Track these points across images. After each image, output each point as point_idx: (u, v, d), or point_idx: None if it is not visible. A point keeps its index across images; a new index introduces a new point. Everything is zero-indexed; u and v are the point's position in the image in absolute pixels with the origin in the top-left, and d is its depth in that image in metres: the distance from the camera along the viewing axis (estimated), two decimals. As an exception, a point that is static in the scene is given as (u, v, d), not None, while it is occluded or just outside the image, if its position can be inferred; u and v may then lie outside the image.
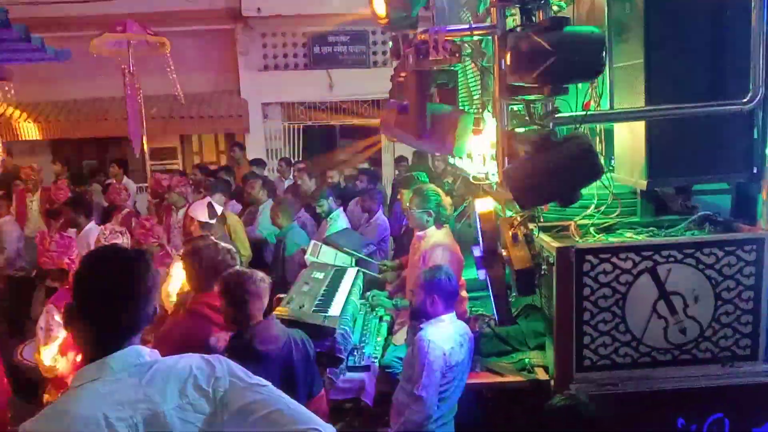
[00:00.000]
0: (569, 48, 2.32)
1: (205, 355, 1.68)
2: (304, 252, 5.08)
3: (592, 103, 3.23)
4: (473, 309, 4.22)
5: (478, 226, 3.49)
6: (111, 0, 10.04)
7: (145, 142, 8.58)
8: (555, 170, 2.42)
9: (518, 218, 3.15)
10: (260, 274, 2.97)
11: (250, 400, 1.59)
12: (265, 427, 1.56)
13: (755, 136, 3.17)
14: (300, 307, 3.58)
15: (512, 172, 2.64)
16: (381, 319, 4.21)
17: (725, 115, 3.04)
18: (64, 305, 1.69)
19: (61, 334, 3.66)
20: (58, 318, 3.65)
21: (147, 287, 1.64)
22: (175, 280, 4.25)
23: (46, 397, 3.76)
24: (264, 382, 1.65)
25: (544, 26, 2.43)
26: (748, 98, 2.94)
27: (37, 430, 1.49)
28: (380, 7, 3.35)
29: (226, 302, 2.89)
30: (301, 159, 10.79)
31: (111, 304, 1.60)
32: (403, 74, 3.74)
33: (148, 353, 1.62)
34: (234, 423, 1.59)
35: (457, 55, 3.12)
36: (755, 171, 3.17)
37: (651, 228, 3.38)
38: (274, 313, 3.51)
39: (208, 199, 5.46)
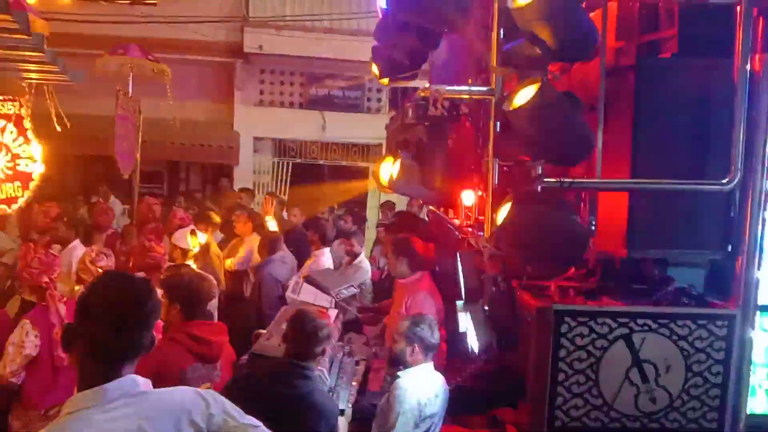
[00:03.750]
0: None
1: (200, 390, 1.70)
2: (282, 287, 5.10)
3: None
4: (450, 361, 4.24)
5: (460, 270, 3.55)
6: (116, 22, 10.18)
7: (138, 166, 8.59)
8: (545, 238, 2.50)
9: (501, 274, 3.22)
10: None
11: None
12: None
13: (732, 215, 3.30)
14: (279, 345, 3.58)
15: (502, 237, 2.73)
16: (358, 363, 4.22)
17: (705, 193, 3.18)
18: (63, 327, 1.69)
19: (34, 352, 3.61)
20: (33, 336, 3.60)
21: (149, 315, 1.66)
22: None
23: (12, 420, 3.66)
24: (256, 422, 1.67)
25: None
26: (727, 179, 3.08)
27: None
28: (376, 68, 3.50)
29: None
30: (287, 195, 10.87)
31: (117, 331, 1.62)
32: (400, 126, 3.86)
33: (143, 383, 1.63)
34: None
35: (454, 113, 3.25)
36: (730, 249, 3.29)
37: (628, 296, 3.47)
38: (253, 349, 3.53)
39: (191, 226, 5.48)
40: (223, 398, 1.69)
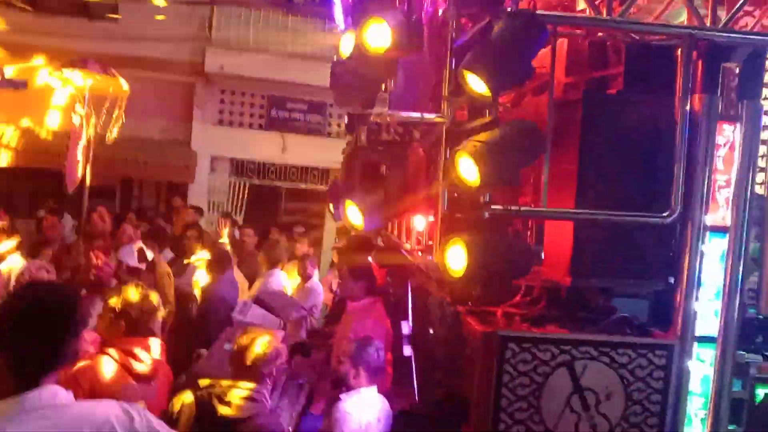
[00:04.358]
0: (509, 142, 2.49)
1: (125, 404, 1.64)
2: (230, 308, 5.02)
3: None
4: (394, 386, 4.21)
5: (410, 303, 3.56)
6: (77, 36, 10.02)
7: (88, 179, 8.37)
8: (493, 264, 2.53)
9: (448, 299, 3.24)
10: None
11: None
12: None
13: (673, 248, 3.40)
14: (219, 365, 3.50)
15: (452, 265, 2.75)
16: (301, 387, 4.16)
17: (648, 226, 3.27)
18: None
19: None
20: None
21: (75, 326, 1.60)
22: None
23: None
24: None
25: (485, 126, 2.61)
26: (668, 213, 3.18)
27: None
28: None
29: None
30: (243, 215, 10.75)
31: (35, 339, 1.56)
32: (352, 149, 3.88)
33: (64, 395, 1.57)
34: None
35: (407, 138, 3.29)
36: (671, 281, 3.38)
37: (573, 324, 3.52)
38: (192, 369, 3.44)
39: (139, 243, 5.36)
40: (148, 413, 1.64)
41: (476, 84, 2.70)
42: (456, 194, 3.29)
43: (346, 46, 3.31)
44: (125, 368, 2.90)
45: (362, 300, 4.20)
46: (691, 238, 3.25)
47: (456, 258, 2.74)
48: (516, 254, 2.76)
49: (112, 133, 8.25)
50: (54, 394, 1.55)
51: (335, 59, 3.56)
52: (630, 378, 3.28)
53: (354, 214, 3.22)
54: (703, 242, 3.27)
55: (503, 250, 2.68)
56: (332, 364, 4.06)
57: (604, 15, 3.11)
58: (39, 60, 8.66)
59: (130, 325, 3.03)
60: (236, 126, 12.08)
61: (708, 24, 3.14)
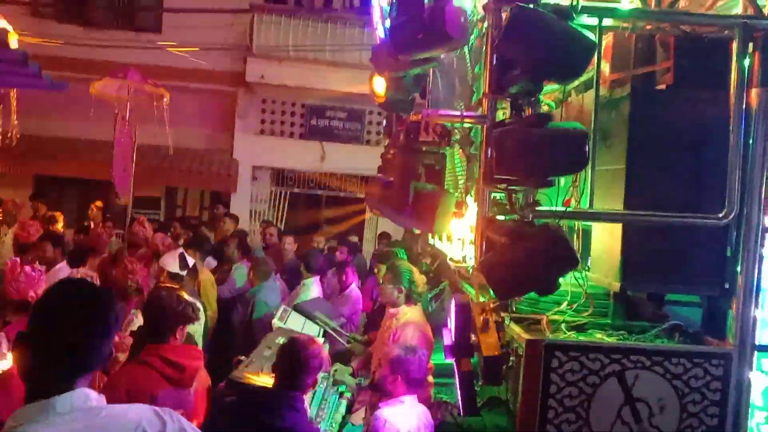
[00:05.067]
0: (553, 142, 2.39)
1: (157, 408, 1.59)
2: (272, 315, 5.00)
3: (572, 201, 3.30)
4: (437, 395, 4.12)
5: (452, 313, 3.46)
6: (118, 47, 10.27)
7: (132, 189, 8.54)
8: (531, 260, 2.43)
9: (490, 305, 3.14)
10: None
11: None
12: None
13: (728, 253, 3.22)
14: (259, 372, 3.47)
15: (489, 262, 2.65)
16: (341, 395, 4.10)
17: (701, 228, 3.11)
18: (16, 334, 1.61)
19: (3, 365, 3.50)
20: (5, 349, 3.50)
21: (107, 326, 1.57)
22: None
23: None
24: None
25: (531, 121, 2.51)
26: (723, 214, 3.01)
27: None
28: (380, 87, 3.46)
29: None
30: (284, 224, 10.81)
31: (67, 338, 1.51)
32: (392, 151, 3.82)
33: (95, 398, 1.53)
34: None
35: (446, 138, 3.20)
36: (726, 287, 3.20)
37: (621, 332, 3.37)
38: (231, 375, 3.42)
39: (180, 250, 5.40)
40: (181, 418, 1.60)
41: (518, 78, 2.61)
42: (497, 197, 3.19)
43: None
44: (162, 375, 2.88)
45: (402, 306, 4.12)
46: (749, 239, 3.07)
47: (495, 260, 2.63)
48: (555, 248, 2.62)
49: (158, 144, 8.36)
50: (86, 397, 1.51)
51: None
52: (685, 389, 3.11)
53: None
54: (762, 245, 3.09)
55: (541, 246, 2.56)
56: (371, 368, 3.98)
57: (652, 6, 2.97)
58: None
59: (157, 330, 3.01)
60: (277, 135, 12.19)
61: (766, 13, 2.97)
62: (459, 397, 3.39)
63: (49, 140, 11.24)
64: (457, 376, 3.35)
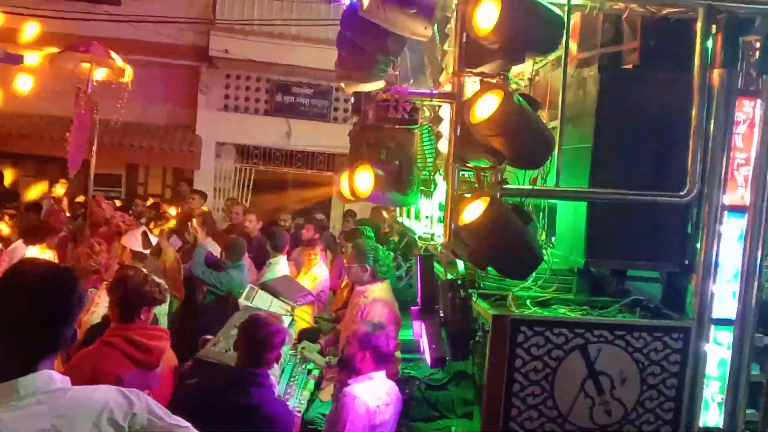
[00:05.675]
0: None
1: (123, 389, 1.57)
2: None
3: (539, 179, 3.33)
4: (405, 371, 4.16)
5: (419, 282, 3.47)
6: (79, 19, 9.90)
7: (93, 166, 8.30)
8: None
9: (458, 281, 3.16)
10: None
11: None
12: None
13: (689, 230, 3.31)
14: (226, 351, 3.45)
15: (470, 232, 2.67)
16: (309, 372, 4.11)
17: (663, 206, 3.18)
18: None
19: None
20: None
21: (71, 309, 1.52)
22: (99, 310, 4.05)
23: None
24: (183, 423, 1.56)
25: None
26: (685, 192, 3.09)
27: None
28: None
29: None
30: (248, 201, 10.69)
31: (26, 321, 1.47)
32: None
33: (60, 379, 1.49)
34: None
35: (415, 116, 3.19)
36: (686, 263, 3.29)
37: (585, 307, 3.44)
38: (197, 354, 3.39)
39: (143, 228, 5.29)
40: (148, 398, 1.58)
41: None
42: (465, 174, 3.21)
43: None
44: (128, 356, 2.84)
45: (369, 284, 4.13)
46: (709, 217, 3.15)
47: (473, 211, 2.66)
48: (529, 236, 2.67)
49: (118, 119, 8.11)
50: (50, 378, 1.48)
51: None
52: (645, 362, 3.20)
53: (363, 181, 3.10)
54: (721, 222, 3.18)
55: (517, 232, 2.60)
56: (340, 346, 4.00)
57: (620, -13, 3.00)
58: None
59: (124, 311, 2.95)
60: (241, 111, 11.98)
61: (728, -4, 3.02)
62: (428, 352, 3.39)
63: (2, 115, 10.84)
64: (425, 334, 3.34)
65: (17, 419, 1.40)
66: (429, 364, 3.25)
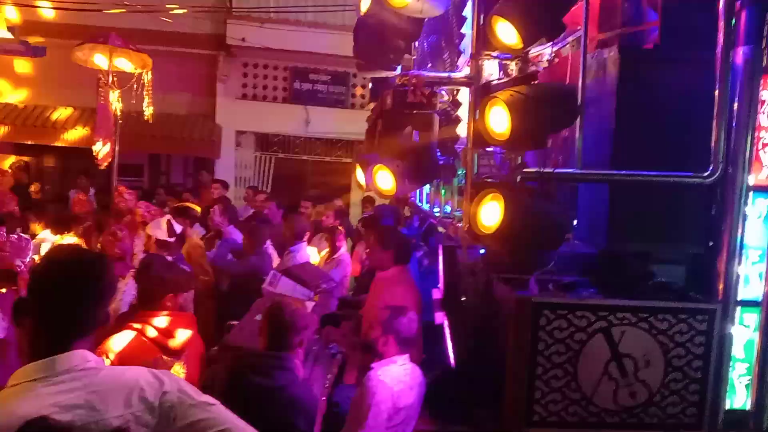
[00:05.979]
0: (543, 101, 2.39)
1: (154, 370, 1.63)
2: (262, 280, 5.01)
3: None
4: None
5: (441, 269, 3.50)
6: (95, 11, 9.98)
7: (116, 156, 8.42)
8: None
9: (480, 265, 3.18)
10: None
11: (198, 417, 1.56)
12: None
13: (713, 211, 3.27)
14: (251, 336, 3.49)
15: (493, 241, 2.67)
16: (334, 355, 4.15)
17: (687, 187, 3.15)
18: (15, 300, 1.64)
19: (1, 335, 3.50)
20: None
21: (103, 290, 1.61)
22: (126, 298, 4.13)
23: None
24: (212, 400, 1.61)
25: (518, 80, 2.50)
26: (708, 173, 3.05)
27: None
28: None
29: None
30: (270, 189, 10.76)
31: (65, 303, 1.56)
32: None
33: (94, 359, 1.57)
34: None
35: (433, 101, 3.19)
36: (711, 244, 3.26)
37: (608, 289, 3.43)
38: (223, 340, 3.44)
39: (167, 217, 5.37)
40: (178, 378, 1.63)
41: (506, 34, 2.58)
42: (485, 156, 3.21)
43: (365, 3, 3.20)
44: (155, 342, 2.90)
45: (391, 269, 4.16)
46: (733, 198, 3.11)
47: (490, 214, 2.66)
48: (551, 221, 2.67)
49: (147, 110, 8.21)
50: (84, 357, 1.56)
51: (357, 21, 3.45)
52: (670, 344, 3.19)
53: (384, 180, 3.13)
54: (746, 203, 3.14)
55: (539, 215, 2.59)
56: (363, 331, 4.03)
57: (641, -36, 2.95)
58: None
59: (149, 298, 3.01)
60: (260, 99, 12.02)
61: (753, -29, 2.95)
62: (451, 351, 3.45)
63: (21, 109, 11.01)
64: (448, 328, 3.39)
65: (54, 394, 1.47)
66: (452, 364, 3.29)
